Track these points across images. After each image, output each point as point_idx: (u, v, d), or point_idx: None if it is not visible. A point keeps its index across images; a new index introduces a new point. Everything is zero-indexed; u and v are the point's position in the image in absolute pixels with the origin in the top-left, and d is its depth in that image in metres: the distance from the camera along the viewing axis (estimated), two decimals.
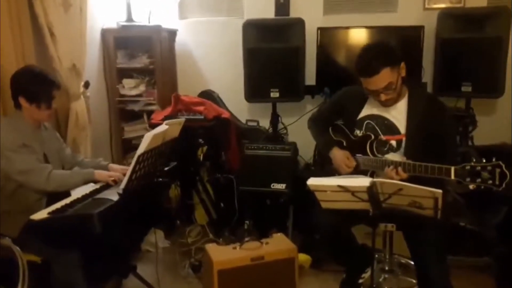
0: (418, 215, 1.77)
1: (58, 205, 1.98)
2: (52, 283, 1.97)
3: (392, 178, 1.91)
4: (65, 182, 2.13)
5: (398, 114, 2.16)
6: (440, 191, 1.61)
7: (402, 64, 2.09)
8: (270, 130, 3.54)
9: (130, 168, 1.99)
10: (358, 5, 3.55)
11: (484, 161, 1.71)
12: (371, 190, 1.73)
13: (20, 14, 2.50)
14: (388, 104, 2.15)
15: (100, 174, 2.24)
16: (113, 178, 2.23)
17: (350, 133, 2.29)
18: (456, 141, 2.80)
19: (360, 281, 2.27)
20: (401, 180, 1.88)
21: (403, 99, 2.16)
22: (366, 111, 2.25)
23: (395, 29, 3.31)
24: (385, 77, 2.03)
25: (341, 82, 2.93)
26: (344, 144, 2.30)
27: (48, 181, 2.06)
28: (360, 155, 2.21)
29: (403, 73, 2.10)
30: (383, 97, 2.08)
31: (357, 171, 2.18)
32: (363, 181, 1.76)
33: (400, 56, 2.09)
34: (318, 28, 3.37)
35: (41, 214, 1.88)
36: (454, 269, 2.05)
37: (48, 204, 2.04)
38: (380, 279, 2.46)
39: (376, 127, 2.19)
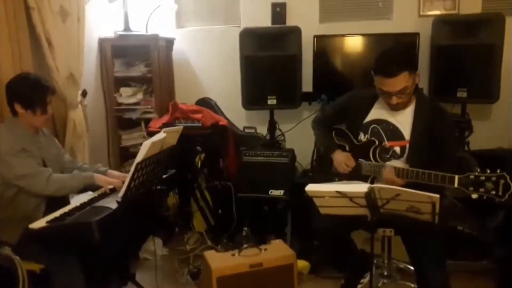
0: (416, 220, 1.78)
1: (56, 213, 1.97)
2: None
3: (391, 180, 1.92)
4: (65, 185, 2.13)
5: (404, 120, 2.17)
6: (437, 196, 1.62)
7: (418, 71, 2.11)
8: (268, 137, 3.56)
9: (129, 176, 1.99)
10: (353, 13, 3.59)
11: (488, 171, 1.72)
12: (369, 195, 1.74)
13: (18, 24, 2.50)
14: (397, 108, 2.15)
15: (99, 178, 2.24)
16: (111, 186, 2.22)
17: (355, 137, 2.30)
18: (456, 148, 2.81)
19: (359, 286, 2.27)
20: (397, 185, 1.89)
21: (411, 106, 2.18)
22: (372, 115, 2.26)
23: (391, 36, 3.35)
24: (403, 80, 2.03)
25: (338, 88, 2.97)
26: (347, 148, 2.32)
27: (48, 184, 2.06)
28: (362, 160, 2.22)
29: (418, 80, 2.12)
30: (395, 100, 2.09)
31: (358, 176, 2.19)
32: (361, 187, 1.77)
33: (417, 63, 2.11)
34: (315, 36, 3.40)
35: (40, 223, 1.88)
36: (453, 273, 2.04)
37: (47, 211, 2.05)
38: (379, 284, 2.46)
39: (381, 132, 2.20)
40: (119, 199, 2.00)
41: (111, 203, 2.02)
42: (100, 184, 2.23)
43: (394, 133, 2.18)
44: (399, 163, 2.13)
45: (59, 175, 2.18)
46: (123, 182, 2.06)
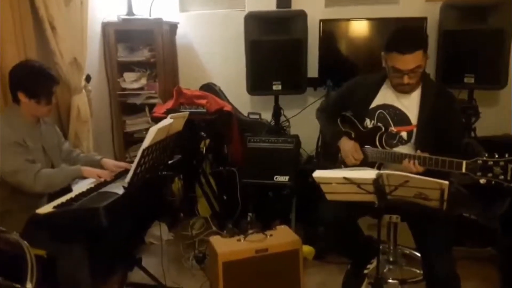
0: (424, 206, 1.77)
1: (63, 199, 1.98)
2: (58, 277, 1.97)
3: (410, 171, 1.90)
4: (53, 181, 2.09)
5: (410, 105, 2.15)
6: (446, 182, 1.62)
7: (427, 55, 2.10)
8: (272, 122, 3.53)
9: (135, 161, 1.99)
10: None
11: (496, 156, 1.71)
12: (377, 182, 1.72)
13: (21, 7, 2.48)
14: (406, 89, 2.13)
15: (87, 171, 2.21)
16: (102, 179, 2.20)
17: (360, 123, 2.27)
18: (463, 134, 2.80)
19: (365, 272, 2.27)
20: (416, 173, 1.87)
21: (417, 90, 2.16)
22: (378, 100, 2.23)
23: (398, 20, 3.28)
24: (417, 58, 2.02)
25: (344, 74, 2.94)
26: (353, 135, 2.29)
27: (36, 182, 2.02)
28: (368, 146, 2.20)
29: (425, 63, 2.10)
30: (406, 79, 2.05)
31: (365, 163, 2.18)
32: (369, 173, 1.76)
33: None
34: (320, 20, 3.35)
35: (47, 208, 1.89)
36: (458, 259, 2.03)
37: (50, 200, 2.03)
38: (385, 270, 2.47)
39: (388, 117, 2.18)
40: (126, 185, 2.00)
41: (118, 189, 2.03)
42: (89, 177, 2.21)
43: (400, 118, 2.16)
44: (406, 149, 2.12)
45: (47, 170, 2.13)
46: (124, 171, 2.05)
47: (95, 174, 2.22)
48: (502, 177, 1.69)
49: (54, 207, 1.90)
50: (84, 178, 2.22)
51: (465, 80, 3.10)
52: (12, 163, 2.00)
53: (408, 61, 2.01)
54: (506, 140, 3.04)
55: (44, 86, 2.12)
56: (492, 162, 1.71)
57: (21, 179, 2.02)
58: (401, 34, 2.10)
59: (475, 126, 3.19)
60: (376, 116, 2.21)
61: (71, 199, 1.97)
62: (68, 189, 2.16)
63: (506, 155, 1.69)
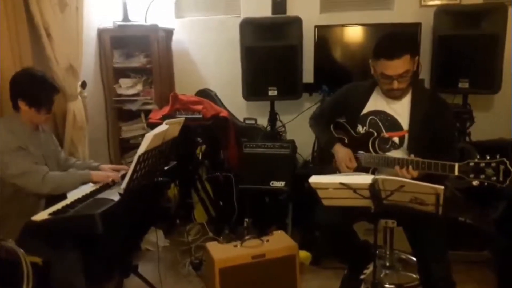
0: (419, 211, 1.78)
1: (59, 205, 1.96)
2: (53, 284, 1.96)
3: (403, 176, 1.90)
4: (61, 183, 2.11)
5: (401, 110, 2.17)
6: (441, 187, 1.62)
7: (417, 58, 2.11)
8: (268, 128, 3.55)
9: (131, 168, 1.98)
10: (354, 3, 3.56)
11: (488, 157, 1.72)
12: (373, 187, 1.73)
13: (17, 15, 2.48)
14: (396, 95, 2.14)
15: (97, 175, 2.23)
16: (111, 179, 2.22)
17: (353, 129, 2.29)
18: (457, 139, 2.82)
19: (362, 277, 2.28)
20: (411, 178, 1.88)
21: (407, 96, 2.17)
22: (369, 106, 2.25)
23: (392, 26, 3.31)
24: (405, 63, 2.03)
25: (339, 79, 2.96)
26: (346, 141, 2.31)
27: (44, 183, 2.04)
28: (362, 152, 2.21)
29: (415, 68, 2.12)
30: (396, 84, 2.07)
31: (359, 168, 2.18)
32: (365, 179, 1.76)
33: (418, 49, 2.11)
34: (315, 26, 3.38)
35: (42, 215, 1.87)
36: (454, 263, 2.05)
37: (47, 207, 2.02)
38: (381, 275, 2.47)
39: (379, 123, 2.20)
40: (121, 191, 1.99)
41: (113, 195, 2.02)
42: (98, 181, 2.22)
43: (392, 123, 2.18)
44: (399, 153, 2.13)
45: (55, 173, 2.15)
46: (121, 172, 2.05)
47: (105, 177, 2.23)
48: (494, 178, 1.70)
49: (50, 214, 1.88)
50: (93, 182, 2.22)
51: (460, 85, 3.12)
52: (20, 166, 2.02)
53: (397, 66, 2.03)
54: (500, 144, 3.05)
55: (45, 95, 2.13)
56: (484, 164, 1.73)
57: (30, 180, 2.03)
58: (387, 40, 2.12)
59: (470, 131, 3.21)
60: (367, 122, 2.23)
61: (67, 206, 1.96)
62: (63, 196, 2.15)
63: (497, 156, 1.70)
